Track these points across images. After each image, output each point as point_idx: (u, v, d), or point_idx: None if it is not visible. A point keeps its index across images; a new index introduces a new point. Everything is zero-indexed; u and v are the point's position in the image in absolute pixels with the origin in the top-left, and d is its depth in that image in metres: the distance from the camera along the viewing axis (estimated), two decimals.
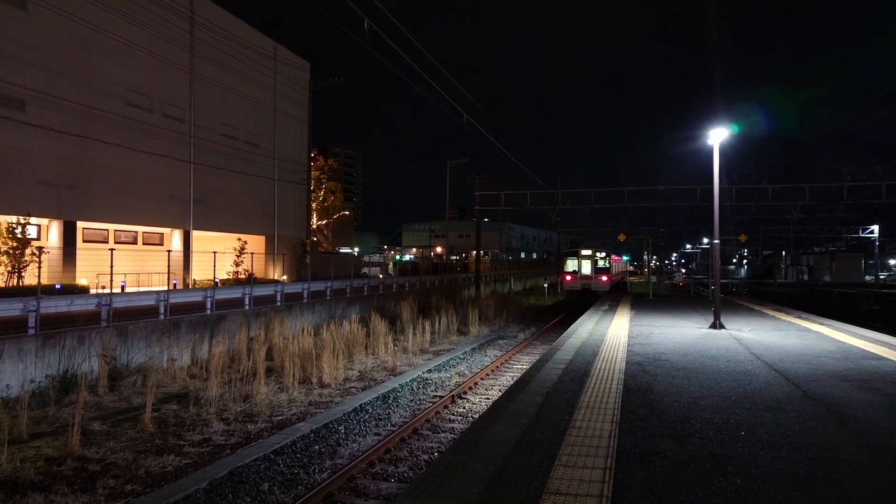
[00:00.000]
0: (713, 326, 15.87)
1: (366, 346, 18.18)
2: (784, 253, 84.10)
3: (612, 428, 6.38)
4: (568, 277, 38.75)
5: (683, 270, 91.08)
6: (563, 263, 41.79)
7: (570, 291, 39.10)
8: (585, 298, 35.76)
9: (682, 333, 14.90)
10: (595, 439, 5.98)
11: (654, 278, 38.06)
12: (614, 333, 14.95)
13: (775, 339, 13.68)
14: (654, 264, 48.12)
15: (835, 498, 4.54)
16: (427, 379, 14.79)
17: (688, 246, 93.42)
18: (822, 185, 36.46)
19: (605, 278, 37.77)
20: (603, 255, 38.94)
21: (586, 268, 38.05)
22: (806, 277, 69.44)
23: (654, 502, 4.47)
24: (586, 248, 39.47)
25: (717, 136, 16.30)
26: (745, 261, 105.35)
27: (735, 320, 17.97)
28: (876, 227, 59.15)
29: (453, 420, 11.40)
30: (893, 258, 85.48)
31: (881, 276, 60.32)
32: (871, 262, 63.53)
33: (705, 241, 73.75)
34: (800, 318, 19.28)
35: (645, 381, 8.89)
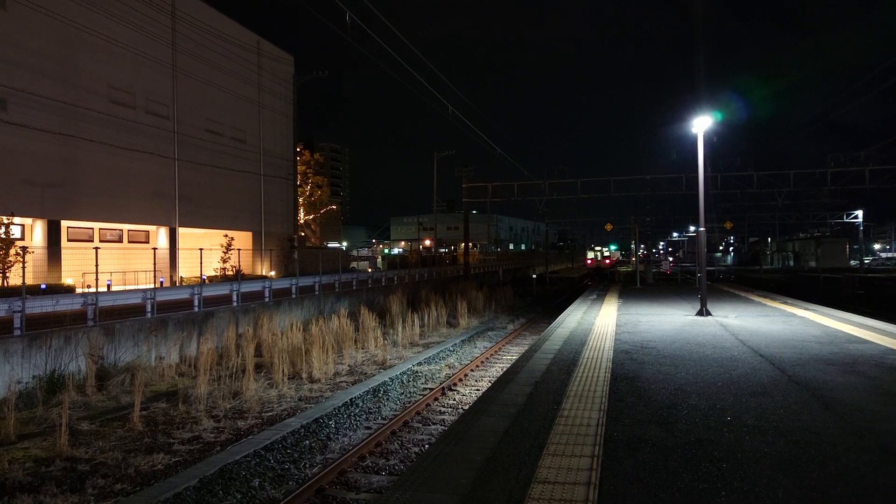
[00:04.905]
0: (700, 314, 16.01)
1: (355, 341, 18.17)
2: (769, 239, 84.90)
3: (599, 416, 6.43)
4: (588, 262, 79.52)
5: (671, 258, 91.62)
6: (585, 253, 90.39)
7: (589, 268, 75.67)
8: (597, 273, 64.25)
9: (670, 321, 15.02)
10: (583, 427, 6.03)
11: (641, 267, 38.28)
12: (602, 322, 15.05)
13: (761, 325, 13.83)
14: (642, 253, 48.53)
15: (820, 480, 4.61)
16: (417, 372, 14.82)
17: (675, 234, 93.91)
18: (806, 172, 36.64)
19: (608, 262, 76.38)
20: (606, 249, 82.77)
21: (598, 256, 75.76)
22: (791, 263, 70.03)
23: (642, 488, 4.52)
24: (597, 245, 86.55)
25: (701, 124, 16.46)
26: (731, 248, 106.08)
27: (721, 307, 18.13)
28: (860, 213, 59.65)
29: (443, 412, 11.44)
30: (878, 243, 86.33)
31: (865, 261, 60.88)
32: (855, 247, 64.16)
33: (692, 229, 74.20)
34: (785, 303, 19.49)
35: (632, 368, 8.96)
